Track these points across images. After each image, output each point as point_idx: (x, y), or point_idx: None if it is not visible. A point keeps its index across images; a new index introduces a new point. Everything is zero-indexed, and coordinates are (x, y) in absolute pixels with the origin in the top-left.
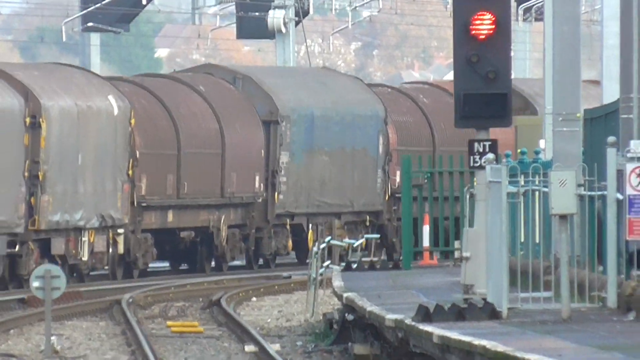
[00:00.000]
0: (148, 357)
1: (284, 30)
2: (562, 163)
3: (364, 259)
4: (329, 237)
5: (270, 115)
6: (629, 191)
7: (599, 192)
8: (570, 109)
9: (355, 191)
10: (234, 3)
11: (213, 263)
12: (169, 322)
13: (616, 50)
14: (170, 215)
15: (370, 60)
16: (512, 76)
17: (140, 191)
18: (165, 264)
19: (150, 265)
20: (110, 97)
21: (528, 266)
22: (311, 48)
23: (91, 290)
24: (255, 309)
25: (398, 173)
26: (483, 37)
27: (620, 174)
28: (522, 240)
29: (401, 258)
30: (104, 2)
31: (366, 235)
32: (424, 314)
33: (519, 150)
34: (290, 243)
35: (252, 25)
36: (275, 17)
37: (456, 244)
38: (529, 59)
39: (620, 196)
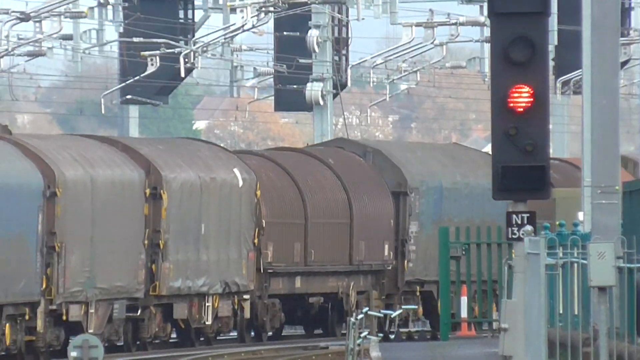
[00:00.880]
0: None
1: (321, 102)
2: (601, 235)
3: (401, 330)
4: (366, 308)
5: (399, 187)
6: None
7: (638, 265)
8: (609, 182)
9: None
10: (272, 76)
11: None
12: None
13: None
14: (298, 282)
15: (409, 132)
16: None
17: (267, 258)
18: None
19: (286, 329)
20: (236, 170)
21: (567, 338)
22: (349, 120)
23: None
24: None
25: None
26: (521, 109)
27: None
28: (561, 311)
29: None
30: (143, 75)
31: (404, 306)
32: None
33: (557, 223)
34: (420, 310)
35: (289, 98)
36: (313, 90)
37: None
38: (566, 132)
39: None
